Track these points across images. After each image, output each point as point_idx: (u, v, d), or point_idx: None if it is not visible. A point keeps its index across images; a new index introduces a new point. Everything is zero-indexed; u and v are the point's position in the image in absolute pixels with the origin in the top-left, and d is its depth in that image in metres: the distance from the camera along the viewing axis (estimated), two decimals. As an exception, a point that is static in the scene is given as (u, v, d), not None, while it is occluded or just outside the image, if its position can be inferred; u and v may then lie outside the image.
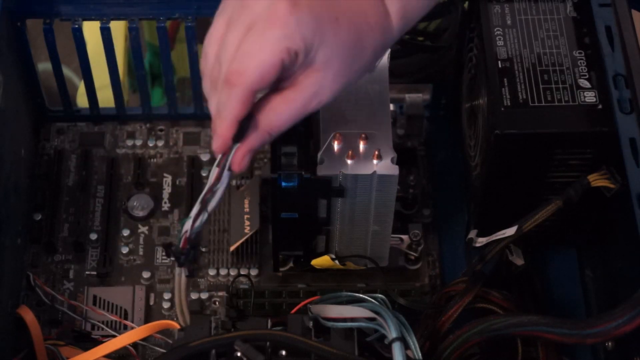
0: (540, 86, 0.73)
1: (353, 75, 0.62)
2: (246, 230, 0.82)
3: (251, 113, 0.61)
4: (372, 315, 0.69)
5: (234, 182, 0.86)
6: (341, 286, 0.78)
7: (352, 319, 0.70)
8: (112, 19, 0.84)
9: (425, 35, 0.86)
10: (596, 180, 0.72)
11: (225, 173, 0.64)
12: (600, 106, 0.72)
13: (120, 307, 0.80)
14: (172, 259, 0.66)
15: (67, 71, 0.90)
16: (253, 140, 0.62)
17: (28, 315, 0.76)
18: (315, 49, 0.59)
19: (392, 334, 0.67)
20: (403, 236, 0.81)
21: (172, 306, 0.81)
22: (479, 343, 0.71)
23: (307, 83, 0.60)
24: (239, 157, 0.63)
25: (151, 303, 0.82)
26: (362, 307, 0.70)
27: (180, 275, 0.69)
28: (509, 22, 0.76)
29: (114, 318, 0.80)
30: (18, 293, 0.81)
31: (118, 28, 0.90)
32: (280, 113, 0.61)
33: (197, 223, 0.65)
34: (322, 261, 0.79)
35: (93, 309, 0.80)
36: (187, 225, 0.65)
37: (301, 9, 0.58)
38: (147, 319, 0.80)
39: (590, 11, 0.75)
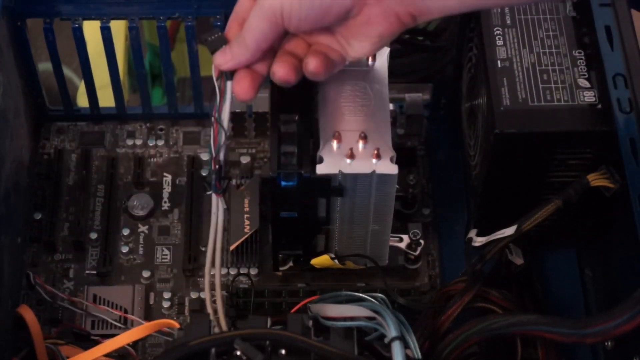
0: (540, 86, 0.73)
1: None
2: (246, 230, 0.82)
3: None
4: (371, 314, 0.69)
5: (233, 182, 0.86)
6: (341, 285, 0.78)
7: (352, 318, 0.70)
8: (112, 19, 0.83)
9: (424, 35, 0.86)
10: (596, 180, 0.72)
11: (229, 83, 0.67)
12: (599, 106, 0.72)
13: (120, 306, 0.80)
14: (209, 190, 0.70)
15: (67, 71, 0.90)
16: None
17: (28, 314, 0.76)
18: None
19: (392, 333, 0.67)
20: (403, 235, 0.81)
21: (172, 305, 0.82)
22: (478, 342, 0.71)
23: None
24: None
25: (151, 302, 0.82)
26: (361, 307, 0.71)
27: (218, 213, 0.72)
28: (508, 21, 0.76)
29: (115, 312, 0.80)
30: (18, 292, 0.81)
31: (118, 27, 0.90)
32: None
33: (218, 140, 0.68)
34: (322, 260, 0.79)
35: (93, 304, 0.80)
36: (211, 146, 0.68)
37: None
38: (147, 318, 0.80)
39: (590, 11, 0.76)
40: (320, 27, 0.65)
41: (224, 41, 0.66)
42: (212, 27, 0.85)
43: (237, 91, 0.67)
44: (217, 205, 0.73)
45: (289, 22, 0.63)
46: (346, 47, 0.66)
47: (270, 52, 0.67)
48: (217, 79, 0.68)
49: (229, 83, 0.67)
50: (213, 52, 0.66)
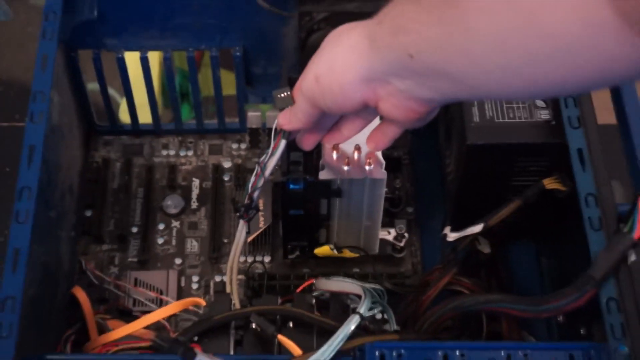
0: (504, 105, 0.74)
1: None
2: (261, 225, 0.83)
3: None
4: (360, 292, 0.71)
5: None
6: (339, 271, 0.79)
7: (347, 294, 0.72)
8: (150, 50, 0.84)
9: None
10: (550, 183, 0.73)
11: (283, 142, 0.65)
12: (553, 122, 0.73)
13: (157, 288, 0.82)
14: (238, 214, 0.69)
15: (110, 90, 0.90)
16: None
17: (81, 294, 0.77)
18: None
19: (361, 309, 0.67)
20: (390, 229, 0.82)
21: (200, 287, 0.83)
22: (452, 318, 0.71)
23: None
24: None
25: (182, 285, 0.83)
26: (353, 284, 0.72)
27: (242, 231, 0.72)
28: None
29: (152, 294, 0.81)
30: (72, 276, 0.81)
31: (154, 55, 0.91)
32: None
33: (257, 183, 0.67)
34: (323, 250, 0.80)
35: (134, 287, 0.81)
36: (249, 185, 0.67)
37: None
38: (179, 297, 0.82)
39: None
40: (354, 113, 0.59)
41: (290, 101, 0.62)
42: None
43: (299, 143, 0.65)
44: (242, 226, 0.72)
45: (323, 107, 0.58)
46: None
47: (329, 117, 0.62)
48: (275, 133, 0.64)
49: (283, 142, 0.64)
50: (278, 109, 0.63)
